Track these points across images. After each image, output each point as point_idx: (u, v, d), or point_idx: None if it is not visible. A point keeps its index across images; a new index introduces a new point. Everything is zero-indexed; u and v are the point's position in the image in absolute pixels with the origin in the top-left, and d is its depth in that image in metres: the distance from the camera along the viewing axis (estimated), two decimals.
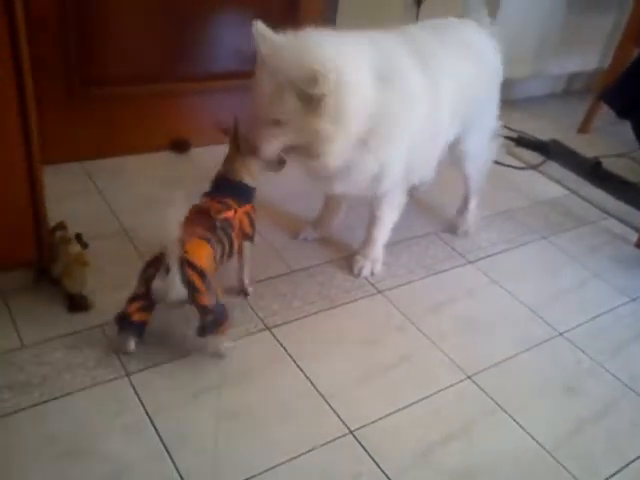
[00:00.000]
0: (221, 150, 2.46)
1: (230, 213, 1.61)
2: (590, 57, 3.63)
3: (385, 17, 2.70)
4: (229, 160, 1.70)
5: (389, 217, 1.97)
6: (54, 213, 1.76)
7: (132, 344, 1.56)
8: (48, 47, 2.05)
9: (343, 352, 1.72)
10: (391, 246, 2.15)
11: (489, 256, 2.21)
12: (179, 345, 1.63)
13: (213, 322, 1.51)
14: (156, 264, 1.45)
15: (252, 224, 1.70)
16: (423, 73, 1.74)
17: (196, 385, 1.54)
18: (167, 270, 1.42)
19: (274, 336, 1.72)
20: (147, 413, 1.45)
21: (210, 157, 2.41)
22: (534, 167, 2.87)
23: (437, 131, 1.87)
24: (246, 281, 1.80)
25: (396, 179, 1.83)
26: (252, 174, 1.68)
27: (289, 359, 1.65)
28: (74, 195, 2.12)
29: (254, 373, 1.60)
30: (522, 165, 2.87)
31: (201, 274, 1.45)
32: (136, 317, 1.51)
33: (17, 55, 1.36)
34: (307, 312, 1.81)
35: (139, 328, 1.54)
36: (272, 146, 1.61)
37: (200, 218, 1.57)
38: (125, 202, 2.13)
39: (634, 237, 2.46)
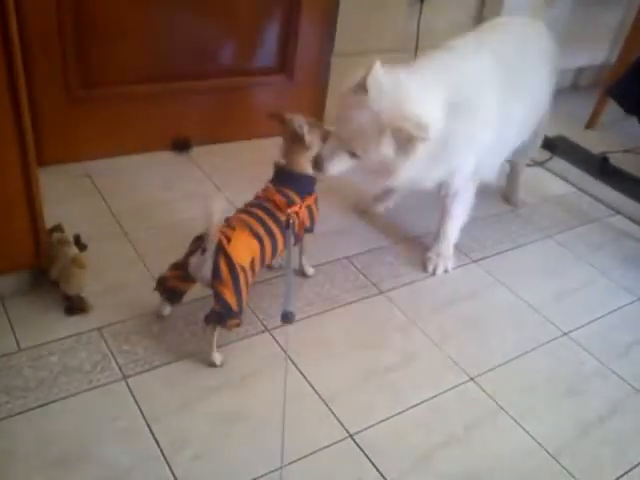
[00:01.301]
0: (222, 148, 2.48)
1: (297, 208, 1.65)
2: (598, 51, 3.58)
3: (388, 13, 2.67)
4: (286, 152, 1.70)
5: (461, 215, 2.06)
6: (54, 214, 1.76)
7: (167, 309, 1.66)
8: (47, 48, 2.03)
9: (344, 354, 1.70)
10: (393, 246, 2.14)
11: (493, 255, 2.18)
12: (178, 348, 1.62)
13: (218, 314, 1.50)
14: (200, 241, 1.48)
15: (312, 217, 1.74)
16: (499, 96, 1.84)
17: (194, 388, 1.52)
18: (204, 251, 1.46)
19: (274, 338, 1.70)
20: (144, 417, 1.43)
21: (211, 156, 2.43)
22: (540, 164, 2.83)
23: (505, 144, 2.02)
24: (305, 264, 1.91)
25: (464, 181, 1.95)
26: (310, 163, 1.70)
27: (289, 362, 1.63)
28: (74, 196, 2.10)
29: (253, 376, 1.58)
30: (528, 162, 2.83)
31: (231, 266, 1.47)
32: (171, 283, 1.59)
33: (9, 56, 1.34)
34: (308, 313, 1.79)
35: (173, 294, 1.62)
36: (339, 168, 1.71)
37: (263, 208, 1.62)
38: (125, 203, 2.11)
39: None
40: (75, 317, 1.65)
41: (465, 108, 1.74)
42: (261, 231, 1.57)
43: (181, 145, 2.45)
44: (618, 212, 2.58)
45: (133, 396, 1.47)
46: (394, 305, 1.88)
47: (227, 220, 1.57)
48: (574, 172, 2.82)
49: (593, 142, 3.08)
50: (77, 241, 1.78)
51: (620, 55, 3.13)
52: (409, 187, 1.96)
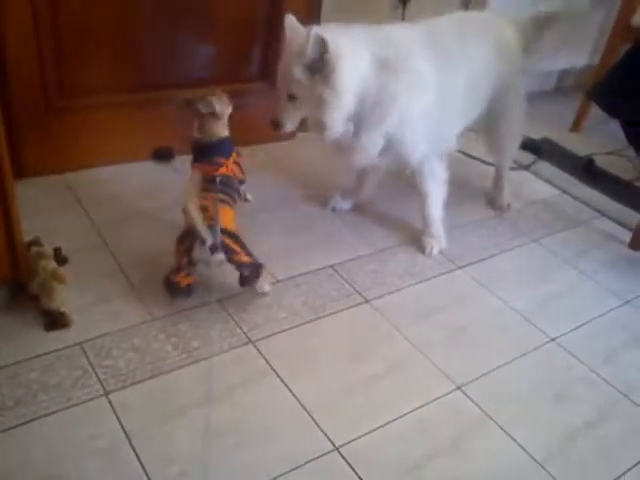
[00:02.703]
0: None
1: (224, 169, 1.75)
2: (580, 54, 3.59)
3: (370, 16, 2.65)
4: (202, 126, 1.80)
5: (436, 191, 2.13)
6: (34, 226, 1.74)
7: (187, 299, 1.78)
8: (25, 58, 2.00)
9: (329, 364, 1.68)
10: (378, 254, 2.12)
11: (479, 261, 2.17)
12: (160, 361, 1.59)
13: (251, 273, 1.75)
14: (191, 237, 1.66)
15: (241, 169, 1.85)
16: (433, 62, 1.92)
17: (177, 403, 1.50)
18: (202, 241, 1.62)
19: (258, 350, 1.67)
20: (126, 434, 1.40)
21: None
22: (525, 167, 2.83)
23: (450, 113, 2.04)
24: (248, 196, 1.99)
25: (423, 155, 2.02)
26: (223, 127, 1.81)
27: (273, 374, 1.61)
28: (55, 208, 2.07)
29: (237, 389, 1.56)
30: (513, 165, 2.82)
31: (233, 237, 1.67)
32: (184, 282, 1.74)
33: None
34: (292, 323, 1.77)
35: (189, 290, 1.76)
36: (291, 117, 1.85)
37: (208, 184, 1.71)
38: (106, 214, 2.08)
39: (627, 237, 2.42)
40: (55, 332, 1.62)
41: (393, 64, 1.83)
42: (225, 197, 1.71)
43: (163, 155, 2.43)
44: (603, 214, 2.57)
45: (115, 412, 1.45)
46: (379, 314, 1.86)
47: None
48: (559, 175, 2.82)
49: (578, 144, 3.08)
50: (57, 254, 1.76)
51: (601, 58, 3.13)
52: (361, 160, 2.00)
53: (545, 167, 2.87)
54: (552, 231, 2.41)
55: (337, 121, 1.82)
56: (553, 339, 1.88)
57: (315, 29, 1.69)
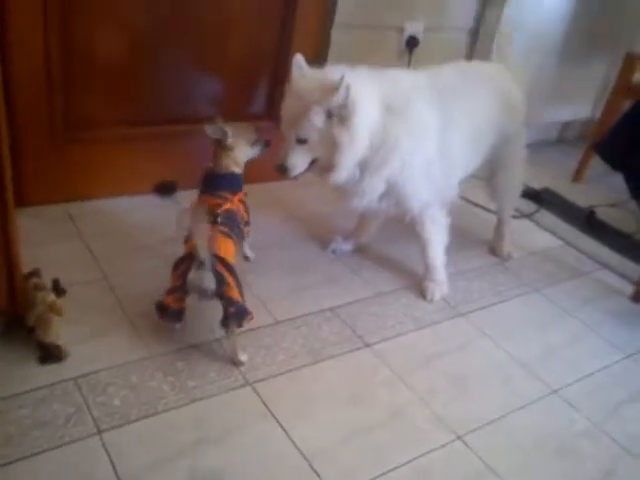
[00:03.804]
0: None
1: (229, 204, 1.75)
2: (582, 107, 3.64)
3: (378, 61, 2.68)
4: (215, 156, 1.85)
5: (437, 237, 2.11)
6: (34, 257, 1.72)
7: (176, 326, 1.74)
8: (33, 90, 2.01)
9: (327, 410, 1.64)
10: (379, 297, 2.10)
11: (481, 309, 2.15)
12: (156, 400, 1.55)
13: (236, 314, 1.62)
14: (187, 261, 1.61)
15: (247, 209, 1.86)
16: (438, 109, 1.93)
17: (173, 444, 1.46)
18: (200, 265, 1.57)
19: (256, 392, 1.64)
20: (118, 477, 1.36)
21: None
22: (527, 216, 2.83)
23: (452, 162, 2.03)
24: (246, 248, 2.03)
25: (419, 200, 2.00)
26: (238, 163, 1.86)
27: (271, 417, 1.58)
28: (55, 238, 2.05)
29: (233, 432, 1.52)
30: (515, 213, 2.83)
31: (231, 270, 1.61)
32: (174, 306, 1.66)
33: None
34: (291, 366, 1.74)
35: (178, 314, 1.69)
36: (299, 161, 1.80)
37: (209, 216, 1.68)
38: (107, 247, 2.06)
39: (629, 289, 2.41)
40: (50, 366, 1.59)
41: (398, 109, 1.83)
42: (229, 231, 1.69)
43: (166, 189, 2.41)
44: (605, 266, 2.57)
45: (107, 453, 1.40)
46: (380, 359, 1.83)
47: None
48: (561, 225, 2.82)
49: (579, 195, 3.10)
50: (56, 286, 1.73)
51: (604, 111, 3.17)
52: (361, 203, 1.96)
53: (547, 217, 2.87)
54: (554, 281, 2.40)
55: (349, 164, 1.80)
56: (555, 391, 1.85)
57: (346, 77, 1.66)
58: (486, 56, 2.84)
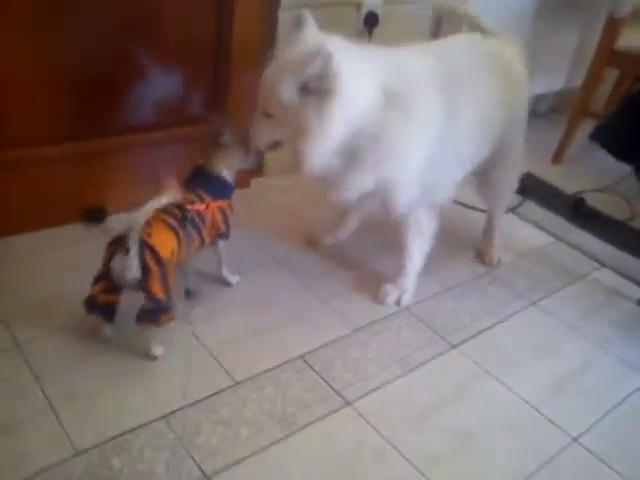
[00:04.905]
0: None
1: (202, 206, 1.60)
2: (556, 77, 3.33)
3: None
4: (208, 154, 1.69)
5: (416, 245, 1.86)
6: None
7: (106, 329, 1.54)
8: None
9: None
10: (357, 333, 1.77)
11: (474, 336, 1.83)
12: None
13: (152, 312, 1.46)
14: (117, 244, 1.43)
15: (226, 221, 1.69)
16: (444, 99, 1.65)
17: None
18: (127, 250, 1.40)
19: None
20: None
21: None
22: (512, 210, 2.51)
23: (453, 159, 1.78)
24: (226, 272, 1.81)
25: (409, 201, 1.73)
26: (230, 167, 1.69)
27: None
28: None
29: None
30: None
31: (158, 260, 1.44)
32: (101, 299, 1.49)
33: None
34: (257, 445, 1.39)
35: (106, 310, 1.51)
36: (261, 135, 1.59)
37: (172, 208, 1.52)
38: (19, 300, 1.67)
39: (632, 291, 2.13)
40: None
41: (403, 101, 1.56)
42: (175, 224, 1.52)
43: (94, 215, 2.02)
44: (603, 264, 2.28)
45: None
46: (364, 420, 1.50)
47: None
48: (549, 217, 2.53)
49: (563, 179, 2.80)
50: None
51: (586, 81, 2.86)
52: (339, 198, 1.70)
53: (532, 208, 2.56)
54: (550, 290, 2.09)
55: (319, 153, 1.51)
56: (575, 439, 1.55)
57: (325, 43, 1.40)
58: (457, 29, 2.49)
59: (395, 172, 1.64)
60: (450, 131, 1.69)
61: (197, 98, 2.18)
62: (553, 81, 3.33)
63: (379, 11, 2.37)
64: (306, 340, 1.70)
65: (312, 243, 2.08)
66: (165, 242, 1.48)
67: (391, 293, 1.88)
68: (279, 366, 1.61)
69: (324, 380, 1.59)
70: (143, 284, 1.44)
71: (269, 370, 1.59)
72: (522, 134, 2.02)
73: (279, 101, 1.47)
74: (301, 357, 1.65)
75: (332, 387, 1.58)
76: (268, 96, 1.50)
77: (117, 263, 1.44)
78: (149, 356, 1.53)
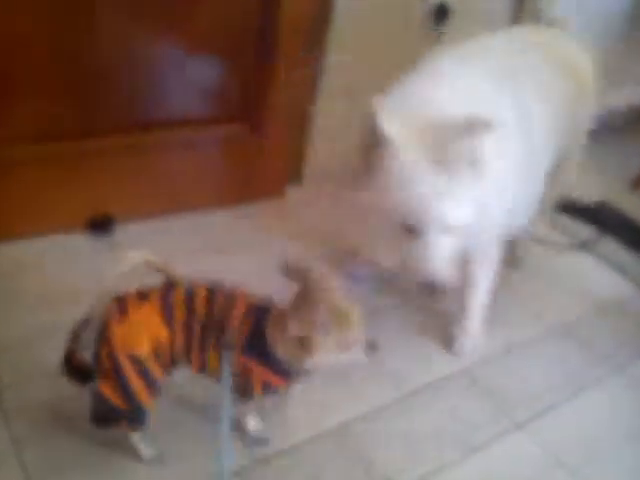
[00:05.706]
0: (158, 227, 1.81)
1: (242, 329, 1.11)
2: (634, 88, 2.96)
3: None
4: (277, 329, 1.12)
5: (485, 280, 1.63)
6: None
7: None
8: None
9: None
10: (405, 401, 1.45)
11: (545, 412, 1.50)
12: None
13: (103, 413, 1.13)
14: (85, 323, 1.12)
15: (264, 387, 1.15)
16: (511, 101, 1.44)
17: None
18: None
19: None
20: None
21: (143, 238, 1.72)
22: (584, 246, 2.16)
23: (533, 166, 1.56)
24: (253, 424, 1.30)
25: (493, 231, 1.53)
26: (289, 352, 1.11)
27: None
28: None
29: None
30: (572, 240, 2.17)
31: (115, 361, 1.07)
32: (80, 358, 1.13)
33: None
34: None
35: (83, 373, 1.14)
36: (443, 255, 1.31)
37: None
38: (9, 329, 1.40)
39: None
40: None
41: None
42: (178, 314, 1.11)
43: (101, 224, 1.75)
44: None
45: None
46: None
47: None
48: (631, 259, 2.15)
49: None
50: None
51: None
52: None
53: (608, 245, 2.20)
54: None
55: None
56: None
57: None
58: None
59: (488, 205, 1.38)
60: (528, 140, 1.49)
61: (233, 91, 1.87)
62: (631, 93, 2.96)
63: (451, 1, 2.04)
64: (346, 404, 1.40)
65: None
66: (141, 333, 1.10)
67: (465, 343, 1.66)
68: (314, 438, 1.31)
69: (361, 458, 1.28)
70: (94, 384, 1.12)
71: (305, 443, 1.29)
72: (583, 139, 1.84)
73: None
74: (340, 430, 1.34)
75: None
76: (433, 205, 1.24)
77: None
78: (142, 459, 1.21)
